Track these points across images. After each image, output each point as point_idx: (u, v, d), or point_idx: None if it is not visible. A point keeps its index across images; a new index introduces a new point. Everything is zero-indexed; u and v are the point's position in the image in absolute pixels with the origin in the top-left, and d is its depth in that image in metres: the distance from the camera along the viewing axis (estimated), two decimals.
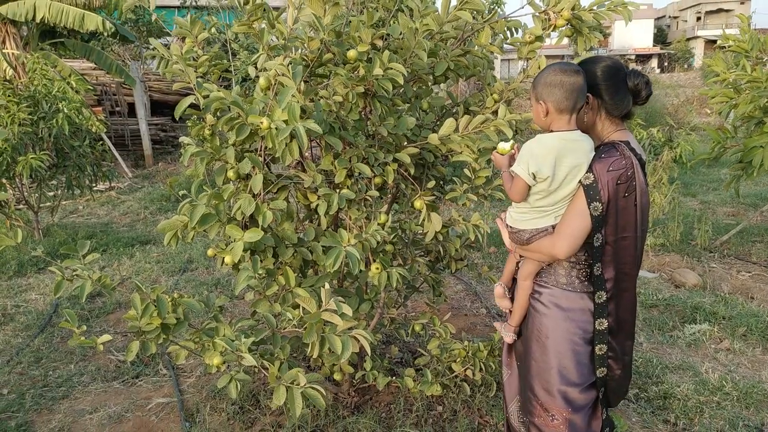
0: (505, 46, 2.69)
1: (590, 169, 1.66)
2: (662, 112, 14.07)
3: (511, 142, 1.88)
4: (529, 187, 1.73)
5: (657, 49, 39.89)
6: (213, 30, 2.70)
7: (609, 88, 1.71)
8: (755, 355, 3.47)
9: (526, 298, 1.87)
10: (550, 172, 1.66)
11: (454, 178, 2.54)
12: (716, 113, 5.40)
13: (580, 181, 1.67)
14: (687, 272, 4.77)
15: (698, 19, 42.59)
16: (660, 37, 44.74)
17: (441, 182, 2.80)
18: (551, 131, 1.70)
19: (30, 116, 6.14)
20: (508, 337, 1.99)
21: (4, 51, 9.74)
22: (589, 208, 1.65)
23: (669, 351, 3.52)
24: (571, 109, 1.66)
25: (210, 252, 2.32)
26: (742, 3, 41.40)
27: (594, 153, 1.70)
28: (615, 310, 1.75)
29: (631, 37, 39.69)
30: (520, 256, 1.91)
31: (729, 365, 3.33)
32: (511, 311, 1.97)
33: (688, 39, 39.71)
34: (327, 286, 1.79)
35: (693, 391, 2.97)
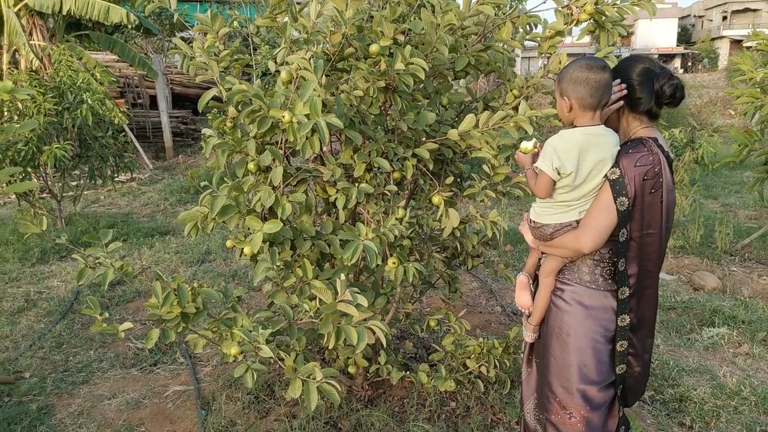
0: (526, 43, 2.67)
1: (617, 164, 1.66)
2: (685, 113, 13.85)
3: (534, 140, 1.88)
4: (554, 183, 1.72)
5: (681, 49, 39.24)
6: (235, 24, 2.73)
7: (636, 85, 1.71)
8: None
9: (548, 296, 1.87)
10: (574, 167, 1.66)
11: (472, 174, 2.53)
12: (741, 114, 5.30)
13: (606, 176, 1.67)
14: (706, 275, 4.70)
15: (724, 18, 41.78)
16: (684, 37, 43.99)
17: (459, 179, 2.80)
18: (575, 126, 1.70)
19: (55, 107, 6.26)
20: (529, 337, 1.98)
21: (30, 42, 9.92)
22: (615, 203, 1.65)
23: (686, 354, 3.49)
24: (595, 106, 1.66)
25: (229, 243, 2.35)
26: None
27: (619, 148, 1.70)
28: (637, 306, 1.75)
29: (655, 36, 39.08)
30: (542, 253, 1.91)
31: (747, 370, 3.28)
32: (530, 311, 1.96)
33: (713, 39, 39.00)
34: (342, 277, 1.81)
35: (710, 395, 2.94)
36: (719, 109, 17.28)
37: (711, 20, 43.60)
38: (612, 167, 1.66)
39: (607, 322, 1.78)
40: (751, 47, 5.24)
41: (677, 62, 38.13)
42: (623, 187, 1.64)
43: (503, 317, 4.07)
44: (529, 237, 1.94)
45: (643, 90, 1.70)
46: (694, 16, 46.29)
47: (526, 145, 1.86)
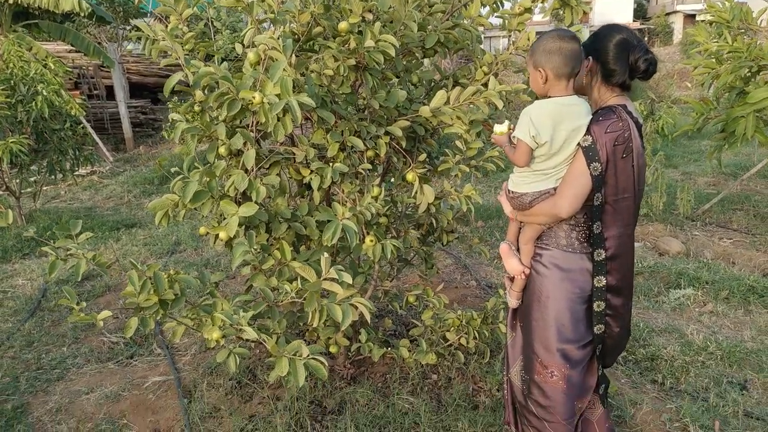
0: (489, 22, 2.69)
1: (588, 132, 1.72)
2: (643, 86, 14.17)
3: (507, 122, 1.91)
4: (532, 150, 1.76)
5: (637, 24, 39.97)
6: (196, 9, 2.66)
7: (612, 57, 1.75)
8: (737, 316, 3.58)
9: (528, 262, 1.93)
10: (549, 137, 1.71)
11: (446, 150, 2.56)
12: (698, 84, 5.46)
13: (578, 144, 1.72)
14: (670, 240, 4.87)
15: None
16: (640, 12, 44.81)
17: (430, 157, 2.82)
18: (548, 97, 1.73)
19: (7, 99, 6.00)
20: (513, 303, 2.04)
21: None
22: (589, 169, 1.71)
23: (655, 315, 3.62)
24: (568, 75, 1.71)
25: (202, 230, 2.32)
26: None
27: (591, 116, 1.74)
28: (613, 268, 1.80)
29: (612, 12, 39.68)
30: (521, 222, 1.95)
31: (712, 327, 3.44)
32: (524, 274, 1.97)
33: (668, 14, 39.85)
34: (326, 255, 1.81)
35: (679, 352, 3.07)
36: (676, 81, 17.73)
37: None
38: (584, 135, 1.71)
39: (583, 284, 1.84)
40: (705, 21, 5.38)
41: None
42: (596, 153, 1.70)
43: (478, 291, 4.14)
44: (507, 207, 1.98)
45: (618, 62, 1.75)
46: None
47: (500, 128, 1.89)
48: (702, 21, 5.57)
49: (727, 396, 2.72)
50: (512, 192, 1.89)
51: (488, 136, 2.73)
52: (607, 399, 2.08)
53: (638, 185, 1.75)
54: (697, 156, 8.87)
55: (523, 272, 1.94)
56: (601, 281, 1.82)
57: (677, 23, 38.48)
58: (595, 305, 1.84)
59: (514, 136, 1.79)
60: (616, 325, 1.86)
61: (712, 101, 5.20)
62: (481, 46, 2.73)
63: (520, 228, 1.97)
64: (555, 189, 1.79)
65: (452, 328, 2.80)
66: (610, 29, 1.79)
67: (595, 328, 1.87)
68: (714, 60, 4.90)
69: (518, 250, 1.98)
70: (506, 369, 2.13)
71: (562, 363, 1.85)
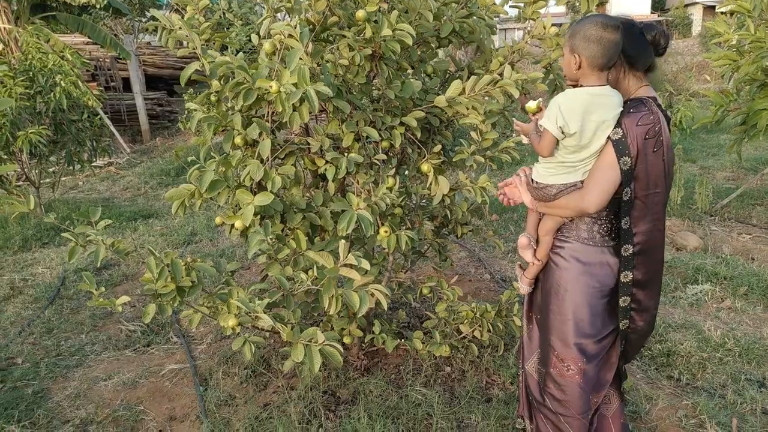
0: (502, 16, 2.67)
1: (619, 124, 1.66)
2: (661, 79, 13.96)
3: (539, 99, 1.86)
4: (557, 142, 1.73)
5: (655, 16, 39.33)
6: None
7: (630, 43, 1.69)
8: (756, 313, 3.53)
9: (546, 253, 1.91)
10: (578, 128, 1.65)
11: (461, 140, 2.55)
12: (719, 77, 5.38)
13: (609, 137, 1.67)
14: (688, 235, 4.81)
15: None
16: (658, 4, 44.11)
17: (444, 148, 2.81)
18: (580, 85, 1.69)
19: (27, 90, 6.08)
20: (524, 289, 2.03)
21: None
22: (618, 162, 1.66)
23: (672, 311, 3.58)
24: (603, 66, 1.64)
25: (218, 220, 2.34)
26: None
27: (622, 108, 1.69)
28: (640, 262, 1.76)
29: (629, 3, 39.10)
30: (541, 214, 1.92)
31: (731, 323, 3.39)
32: (522, 266, 1.98)
33: (687, 5, 39.17)
34: (343, 242, 1.81)
35: (696, 348, 3.04)
36: (694, 74, 17.44)
37: None
38: (614, 128, 1.67)
39: (603, 278, 1.81)
40: (725, 12, 5.29)
41: None
42: (626, 147, 1.65)
43: (492, 284, 4.12)
44: (527, 198, 1.93)
45: (639, 45, 1.69)
46: None
47: (531, 105, 1.85)
48: (722, 12, 5.47)
49: (745, 393, 2.69)
50: (536, 182, 1.85)
51: (503, 126, 2.72)
52: (623, 394, 2.06)
53: (668, 179, 1.71)
54: (715, 150, 8.73)
55: (533, 263, 1.94)
56: (627, 276, 1.78)
57: (696, 15, 37.74)
58: (620, 300, 1.80)
59: (540, 124, 1.75)
60: (640, 320, 1.83)
61: (732, 93, 5.11)
62: (495, 37, 2.71)
63: (540, 219, 1.94)
64: (581, 182, 1.74)
65: (466, 321, 2.79)
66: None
67: (620, 324, 1.84)
68: (735, 52, 4.81)
69: (537, 241, 1.95)
70: (521, 361, 2.12)
71: (579, 357, 1.84)
